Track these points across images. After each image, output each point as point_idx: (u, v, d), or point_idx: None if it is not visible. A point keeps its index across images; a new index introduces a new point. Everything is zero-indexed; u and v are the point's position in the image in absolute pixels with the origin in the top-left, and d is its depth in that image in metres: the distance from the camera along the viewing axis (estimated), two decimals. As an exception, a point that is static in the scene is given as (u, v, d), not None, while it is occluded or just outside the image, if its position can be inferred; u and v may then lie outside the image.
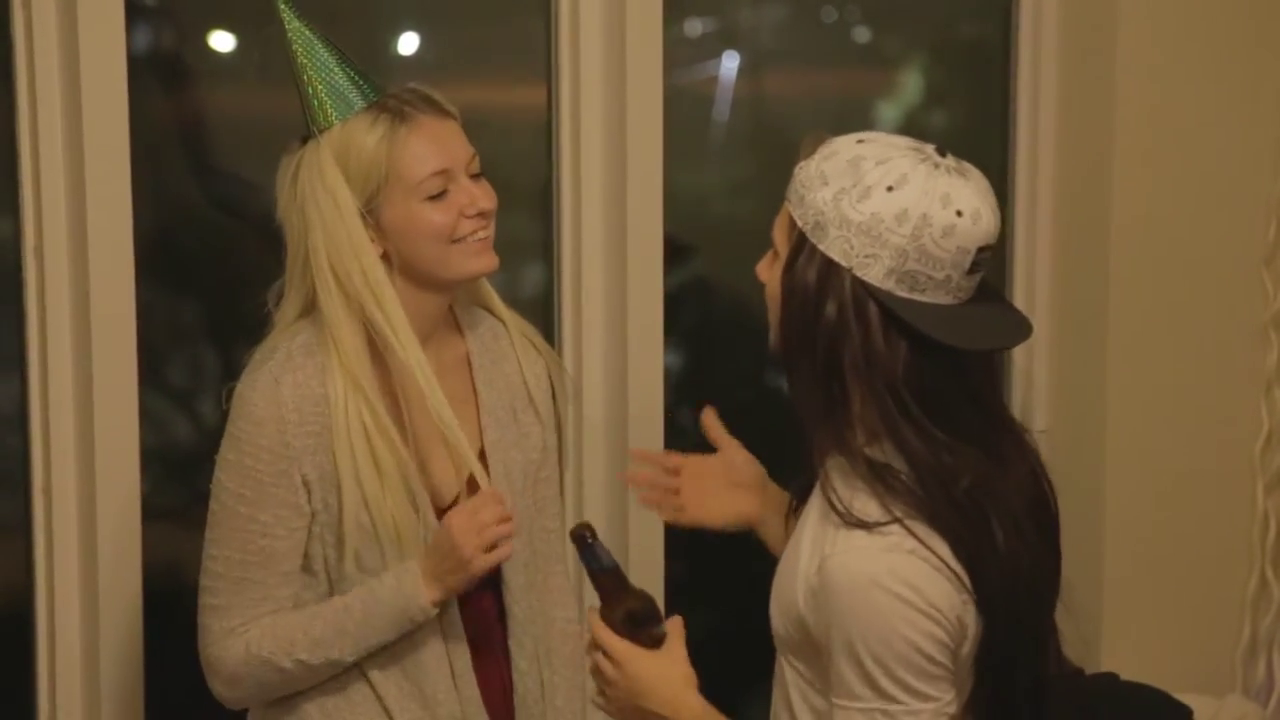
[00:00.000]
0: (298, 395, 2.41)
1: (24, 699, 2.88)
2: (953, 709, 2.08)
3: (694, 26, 3.35)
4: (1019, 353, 3.50)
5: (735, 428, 2.59)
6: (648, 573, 3.11)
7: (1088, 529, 3.45)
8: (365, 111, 2.43)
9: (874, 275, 2.07)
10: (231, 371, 2.56)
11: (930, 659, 2.04)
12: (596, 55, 3.10)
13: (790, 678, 2.17)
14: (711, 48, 3.37)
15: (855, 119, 3.13)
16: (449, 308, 2.54)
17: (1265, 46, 3.48)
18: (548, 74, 3.13)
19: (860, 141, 2.11)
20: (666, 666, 2.21)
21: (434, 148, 2.43)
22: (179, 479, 3.01)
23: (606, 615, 2.24)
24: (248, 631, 2.43)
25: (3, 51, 2.77)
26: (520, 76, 3.18)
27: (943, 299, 2.09)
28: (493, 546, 2.39)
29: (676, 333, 3.25)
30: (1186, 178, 3.46)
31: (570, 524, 2.35)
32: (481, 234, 2.47)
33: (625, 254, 3.11)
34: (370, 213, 2.42)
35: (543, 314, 3.12)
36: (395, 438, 2.42)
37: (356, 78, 2.44)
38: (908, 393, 2.07)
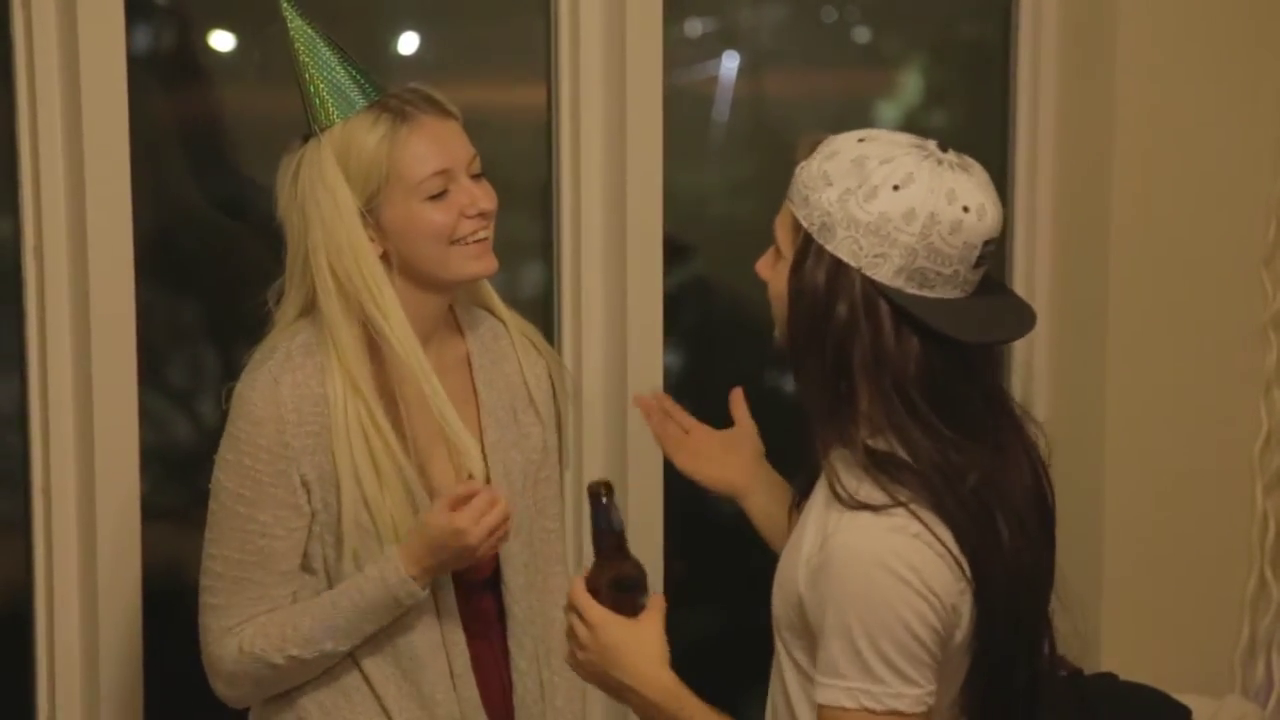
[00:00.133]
0: (297, 395, 2.41)
1: (23, 699, 2.88)
2: (933, 700, 2.09)
3: (694, 26, 3.35)
4: (1019, 352, 3.50)
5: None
6: (647, 572, 3.10)
7: (1087, 529, 3.45)
8: (367, 111, 2.43)
9: (883, 274, 2.08)
10: (231, 371, 2.55)
11: (921, 643, 2.05)
12: (596, 55, 3.10)
13: (786, 666, 2.18)
14: (711, 48, 3.37)
15: (855, 119, 3.13)
16: (449, 308, 2.54)
17: (1265, 46, 3.48)
18: (548, 74, 3.13)
19: (862, 140, 2.12)
20: (641, 639, 2.22)
21: (435, 148, 2.43)
22: (179, 479, 3.01)
23: (593, 579, 2.25)
24: (243, 630, 2.43)
25: (2, 51, 2.77)
26: (520, 76, 3.18)
27: (951, 294, 2.10)
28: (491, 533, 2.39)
29: (676, 333, 3.25)
30: (1186, 178, 3.45)
31: (568, 523, 2.35)
32: (482, 234, 2.46)
33: (625, 254, 3.11)
34: (371, 212, 2.42)
35: (543, 314, 3.12)
36: (393, 439, 2.42)
37: (358, 77, 2.44)
38: (917, 390, 2.09)
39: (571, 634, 2.25)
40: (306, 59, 2.44)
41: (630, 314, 3.12)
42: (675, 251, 3.23)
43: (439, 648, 2.48)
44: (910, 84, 3.55)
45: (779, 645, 2.20)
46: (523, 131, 3.19)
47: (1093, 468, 3.46)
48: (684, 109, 3.25)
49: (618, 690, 2.23)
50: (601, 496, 2.26)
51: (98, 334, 2.78)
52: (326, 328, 2.43)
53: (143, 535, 2.84)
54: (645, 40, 3.09)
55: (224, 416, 2.45)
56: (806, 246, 2.11)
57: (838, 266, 2.09)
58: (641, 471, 3.14)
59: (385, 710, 2.47)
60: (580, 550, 2.99)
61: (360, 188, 2.41)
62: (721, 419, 2.62)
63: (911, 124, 3.46)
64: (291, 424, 2.40)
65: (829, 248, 2.09)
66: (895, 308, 2.08)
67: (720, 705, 2.19)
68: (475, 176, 2.47)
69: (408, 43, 3.16)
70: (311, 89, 2.43)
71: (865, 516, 2.08)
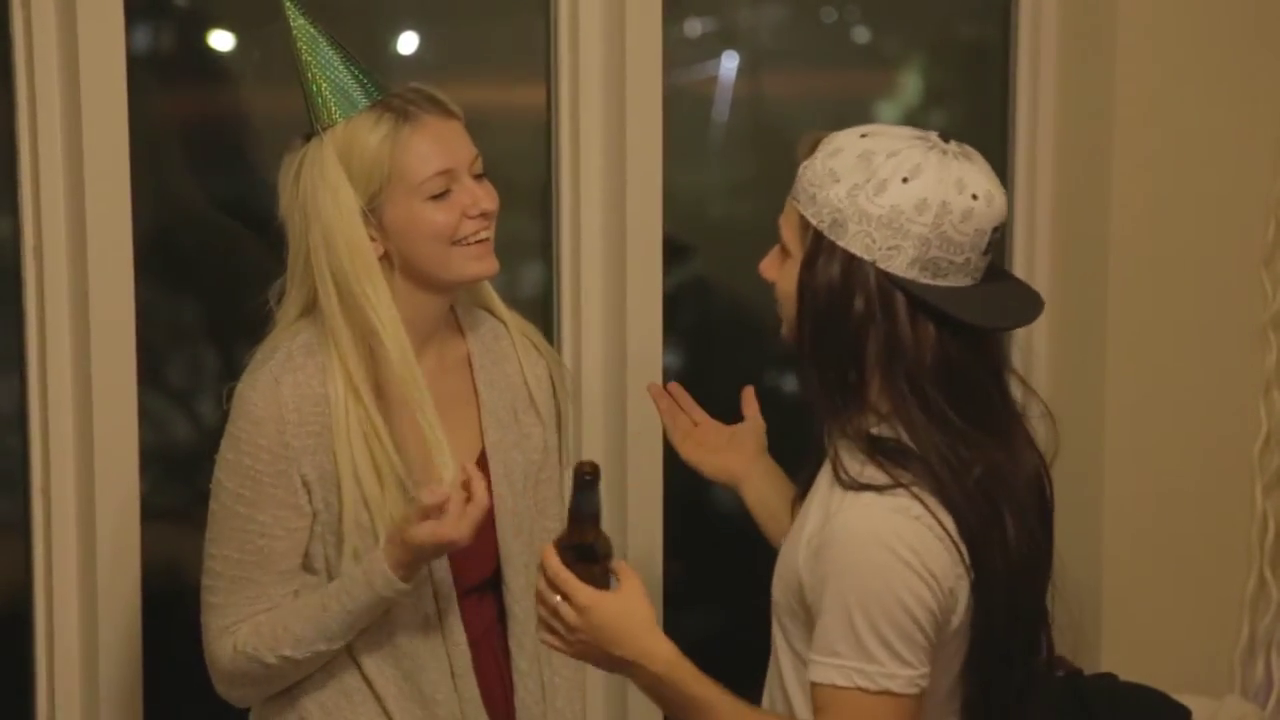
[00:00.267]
0: (298, 395, 2.41)
1: (23, 699, 2.88)
2: (925, 683, 2.10)
3: (694, 26, 3.35)
4: (1019, 352, 3.49)
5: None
6: (647, 572, 3.10)
7: (1087, 529, 3.45)
8: (369, 110, 2.42)
9: (897, 266, 2.10)
10: (231, 371, 2.55)
11: (917, 624, 2.07)
12: (596, 55, 3.09)
13: (784, 654, 2.19)
14: (711, 48, 3.37)
15: (855, 119, 3.11)
16: (450, 308, 2.54)
17: (1265, 46, 3.48)
18: (548, 74, 3.12)
19: (864, 135, 2.14)
20: (630, 612, 2.20)
21: (437, 147, 2.43)
22: (178, 479, 3.01)
23: (564, 549, 2.22)
24: (238, 630, 2.43)
25: (2, 51, 2.77)
26: (520, 76, 3.18)
27: (962, 281, 2.13)
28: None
29: (676, 333, 3.25)
30: (1186, 178, 3.46)
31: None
32: (483, 235, 2.46)
33: (625, 254, 3.11)
34: (372, 212, 2.42)
35: (542, 314, 3.12)
36: (388, 440, 2.42)
37: (361, 76, 2.44)
38: (931, 380, 2.11)
39: (556, 616, 2.21)
40: (309, 58, 2.43)
41: (630, 314, 3.12)
42: (675, 251, 3.23)
43: (440, 648, 2.48)
44: (910, 84, 3.55)
45: (777, 633, 2.21)
46: (522, 131, 3.18)
47: (1092, 468, 3.46)
48: (684, 109, 3.25)
49: (618, 665, 2.22)
50: (586, 476, 2.23)
51: (97, 334, 2.78)
52: (328, 328, 2.42)
53: (142, 535, 2.84)
54: (645, 40, 3.09)
55: (224, 416, 2.45)
56: (817, 244, 2.12)
57: (851, 261, 2.11)
58: (641, 471, 3.14)
59: (386, 711, 2.47)
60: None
61: (362, 187, 2.41)
62: (721, 419, 2.63)
63: (911, 124, 3.43)
64: (292, 424, 2.40)
65: (841, 243, 2.11)
66: (911, 298, 2.11)
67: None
68: (477, 177, 2.47)
69: (408, 42, 3.16)
70: (314, 88, 2.43)
71: (868, 496, 2.10)
